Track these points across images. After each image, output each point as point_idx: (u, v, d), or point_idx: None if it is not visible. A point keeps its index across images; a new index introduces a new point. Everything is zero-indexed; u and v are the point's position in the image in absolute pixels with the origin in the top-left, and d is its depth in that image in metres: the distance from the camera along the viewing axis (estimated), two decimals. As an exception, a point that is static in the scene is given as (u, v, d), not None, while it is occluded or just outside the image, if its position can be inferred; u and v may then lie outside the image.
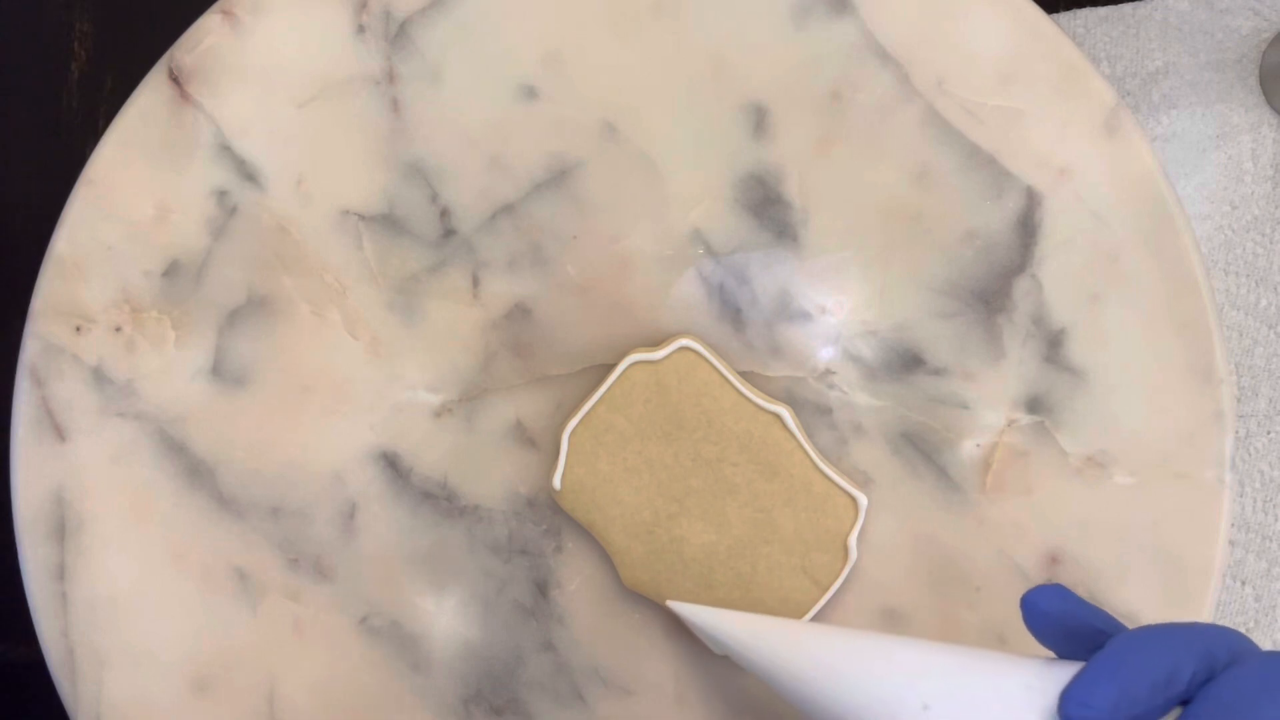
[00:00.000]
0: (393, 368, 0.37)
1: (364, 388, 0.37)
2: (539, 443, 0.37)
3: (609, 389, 0.36)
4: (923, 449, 0.36)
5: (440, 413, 0.37)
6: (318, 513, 0.37)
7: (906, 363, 0.36)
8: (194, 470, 0.36)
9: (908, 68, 0.36)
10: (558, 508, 0.36)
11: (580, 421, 0.36)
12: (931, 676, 0.26)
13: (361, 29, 0.36)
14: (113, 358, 0.36)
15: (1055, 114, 0.36)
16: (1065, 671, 0.23)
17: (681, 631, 0.37)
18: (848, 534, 0.35)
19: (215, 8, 0.36)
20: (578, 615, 0.37)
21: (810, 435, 0.36)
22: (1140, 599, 0.35)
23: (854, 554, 0.36)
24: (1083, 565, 0.36)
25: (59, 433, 0.36)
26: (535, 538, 0.37)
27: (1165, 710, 0.21)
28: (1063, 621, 0.24)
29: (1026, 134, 0.36)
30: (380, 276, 0.36)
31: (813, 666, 0.29)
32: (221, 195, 0.36)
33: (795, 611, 0.36)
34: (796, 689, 0.29)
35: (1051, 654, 0.25)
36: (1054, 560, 0.36)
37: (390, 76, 0.36)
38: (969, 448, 0.36)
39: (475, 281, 0.36)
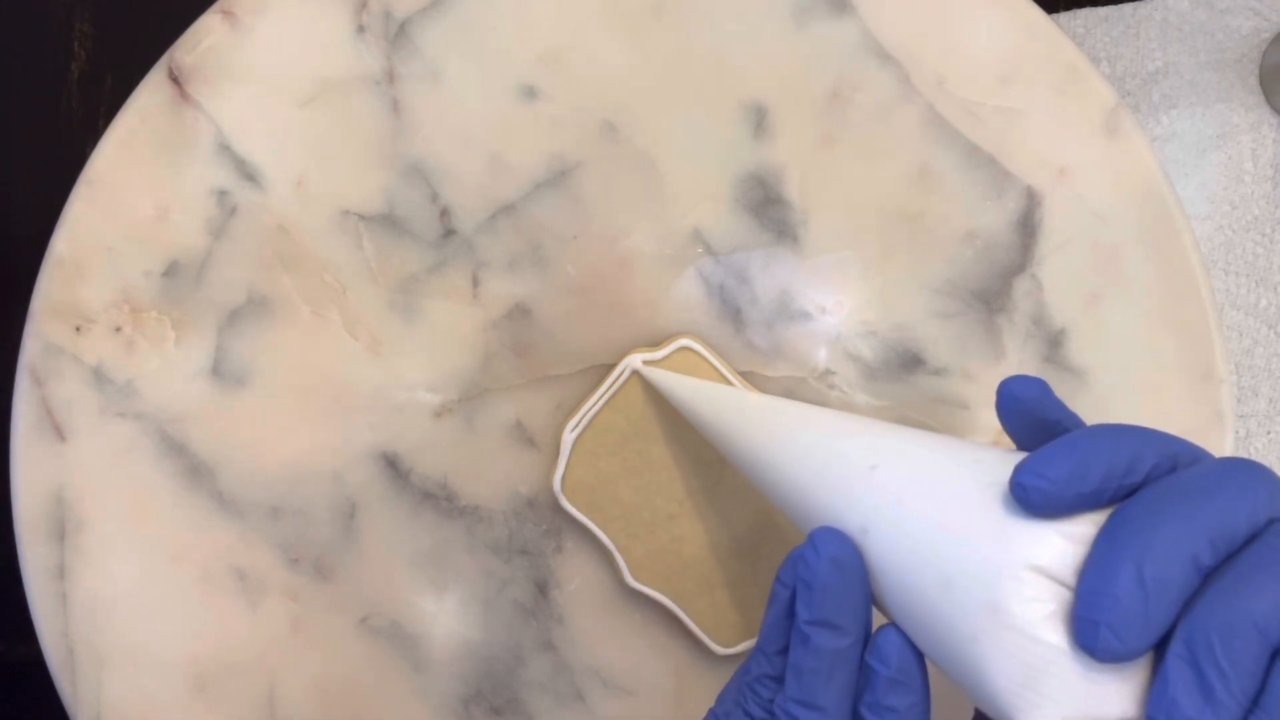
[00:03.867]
0: (393, 368, 0.37)
1: (364, 388, 0.36)
2: (539, 443, 0.37)
3: (609, 389, 0.36)
4: (923, 449, 0.36)
5: (440, 413, 0.37)
6: (318, 513, 0.37)
7: (906, 363, 0.36)
8: (194, 470, 0.36)
9: (908, 68, 0.36)
10: (558, 508, 0.36)
11: (580, 421, 0.36)
12: (880, 440, 0.26)
13: (361, 29, 0.36)
14: (113, 358, 0.36)
15: (1055, 114, 0.36)
16: (1016, 456, 0.23)
17: (682, 631, 0.37)
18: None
19: (215, 8, 0.36)
20: (578, 615, 0.37)
21: (810, 435, 0.36)
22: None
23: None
24: (1083, 565, 0.36)
25: (59, 433, 0.36)
26: (535, 538, 0.37)
27: (1118, 497, 0.21)
28: (1035, 411, 0.24)
29: (1026, 134, 0.36)
30: (380, 276, 0.36)
31: (766, 430, 0.30)
32: (221, 195, 0.36)
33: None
34: (750, 452, 0.30)
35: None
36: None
37: (390, 76, 0.36)
38: (969, 448, 0.36)
39: (475, 281, 0.36)
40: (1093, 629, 0.19)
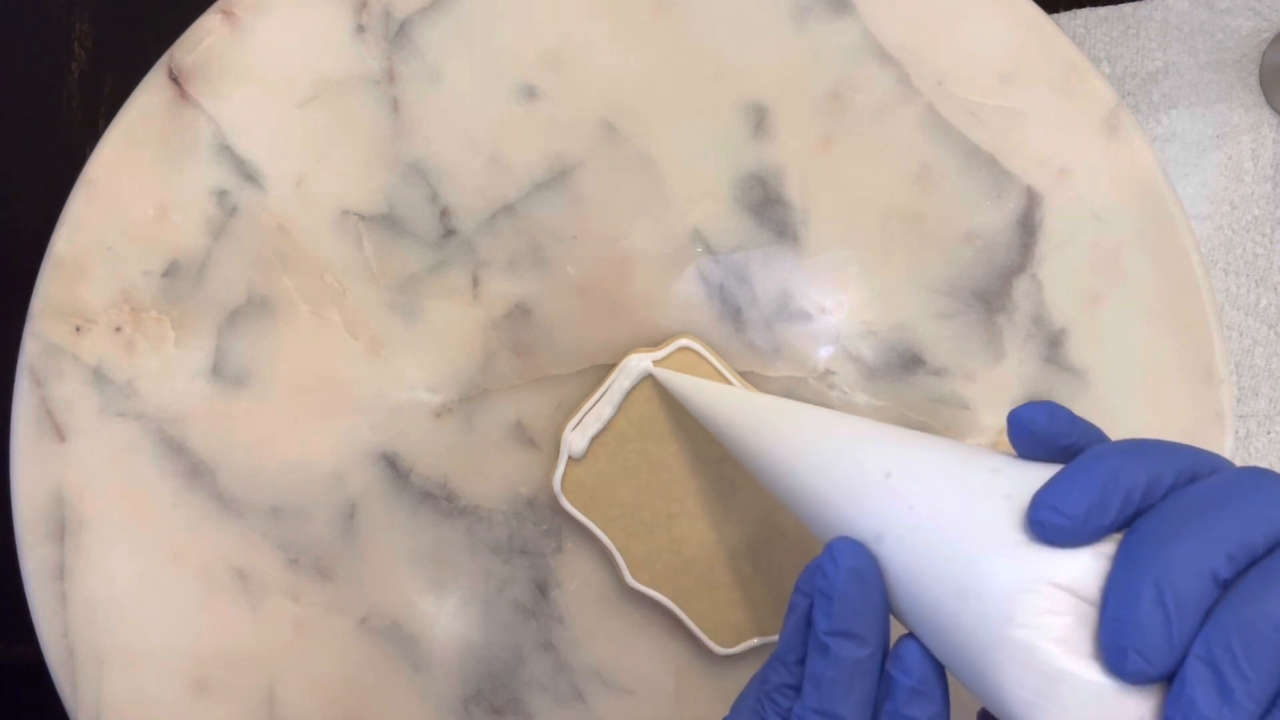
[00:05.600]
0: (393, 368, 0.37)
1: (364, 388, 0.36)
2: (539, 443, 0.37)
3: (609, 389, 0.36)
4: (923, 449, 0.36)
5: (440, 413, 0.37)
6: (318, 513, 0.37)
7: (906, 363, 0.36)
8: (194, 470, 0.36)
9: (908, 68, 0.36)
10: (558, 508, 0.36)
11: (580, 421, 0.36)
12: (895, 446, 0.26)
13: (361, 29, 0.36)
14: (113, 358, 0.36)
15: (1055, 114, 0.36)
16: (1034, 468, 0.23)
17: (681, 631, 0.37)
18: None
19: (215, 8, 0.36)
20: (578, 615, 0.37)
21: (810, 435, 0.36)
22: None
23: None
24: (1083, 565, 0.36)
25: (59, 433, 0.36)
26: (535, 538, 0.37)
27: (1138, 515, 0.21)
28: (1047, 440, 0.23)
29: (1026, 134, 0.36)
30: (380, 276, 0.36)
31: (779, 433, 0.29)
32: (221, 195, 0.36)
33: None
34: (764, 455, 0.30)
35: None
36: (1054, 560, 0.36)
37: (390, 76, 0.36)
38: (969, 448, 0.36)
39: (475, 281, 0.36)
40: (1120, 654, 0.19)
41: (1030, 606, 0.20)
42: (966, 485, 0.23)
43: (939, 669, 0.23)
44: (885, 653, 0.24)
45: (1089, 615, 0.20)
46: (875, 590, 0.24)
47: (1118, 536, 0.21)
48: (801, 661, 0.25)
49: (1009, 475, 0.23)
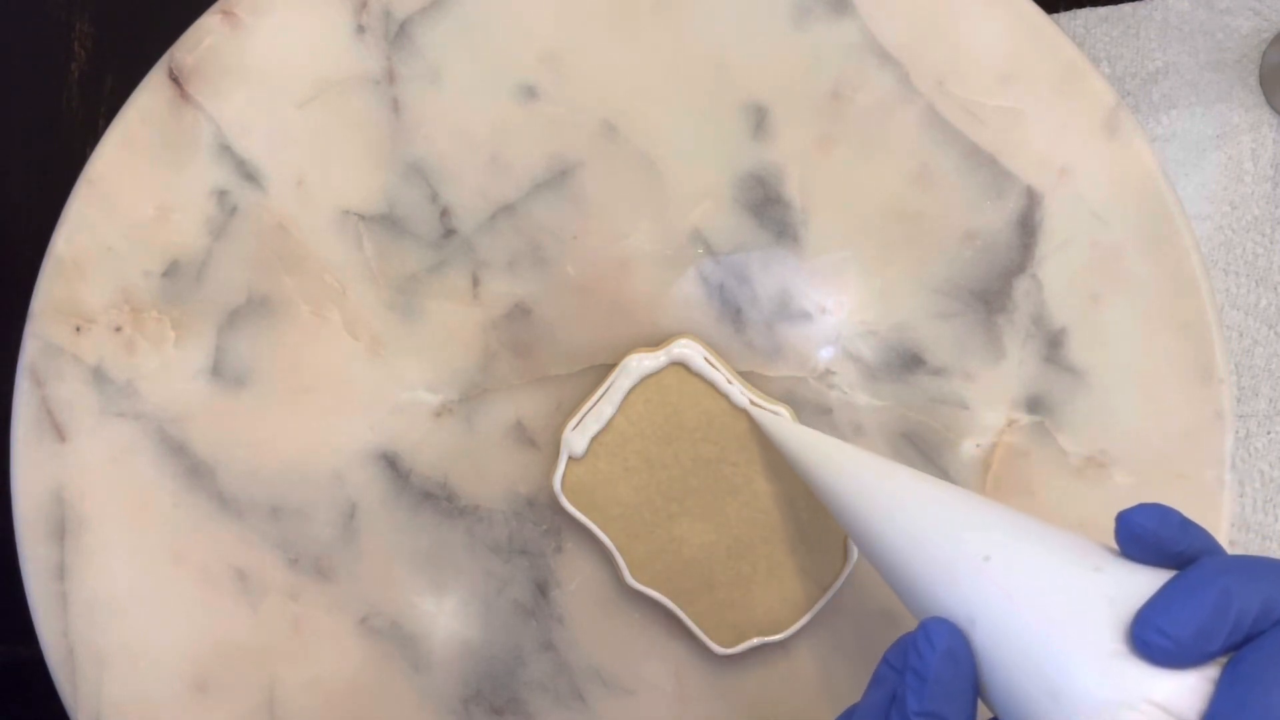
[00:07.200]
0: (393, 368, 0.37)
1: (364, 388, 0.37)
2: (539, 443, 0.37)
3: (609, 389, 0.36)
4: (923, 449, 0.36)
5: (440, 413, 0.37)
6: (318, 513, 0.37)
7: (906, 363, 0.36)
8: (194, 470, 0.36)
9: (908, 68, 0.36)
10: (558, 508, 0.36)
11: (580, 421, 0.36)
12: (995, 530, 0.25)
13: (361, 29, 0.36)
14: (113, 358, 0.36)
15: (1055, 114, 0.36)
16: (1139, 571, 0.23)
17: (681, 631, 0.37)
18: (848, 534, 0.35)
19: (215, 8, 0.36)
20: (578, 615, 0.37)
21: (810, 435, 0.36)
22: (1140, 599, 0.35)
23: (854, 554, 0.36)
24: (1083, 565, 0.36)
25: (59, 433, 0.36)
26: (535, 538, 0.37)
27: (1248, 639, 0.21)
28: (1156, 546, 0.23)
29: (1026, 134, 0.36)
30: (380, 276, 0.36)
31: (881, 500, 0.29)
32: (221, 195, 0.36)
33: (795, 612, 0.36)
34: (863, 519, 0.29)
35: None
36: (1054, 560, 0.36)
37: (390, 76, 0.36)
38: (969, 448, 0.36)
39: (475, 281, 0.36)
40: None
41: None
42: (1068, 582, 0.23)
43: None
44: None
45: None
46: (967, 675, 0.24)
47: (1223, 660, 0.21)
48: None
49: (1112, 576, 0.23)
